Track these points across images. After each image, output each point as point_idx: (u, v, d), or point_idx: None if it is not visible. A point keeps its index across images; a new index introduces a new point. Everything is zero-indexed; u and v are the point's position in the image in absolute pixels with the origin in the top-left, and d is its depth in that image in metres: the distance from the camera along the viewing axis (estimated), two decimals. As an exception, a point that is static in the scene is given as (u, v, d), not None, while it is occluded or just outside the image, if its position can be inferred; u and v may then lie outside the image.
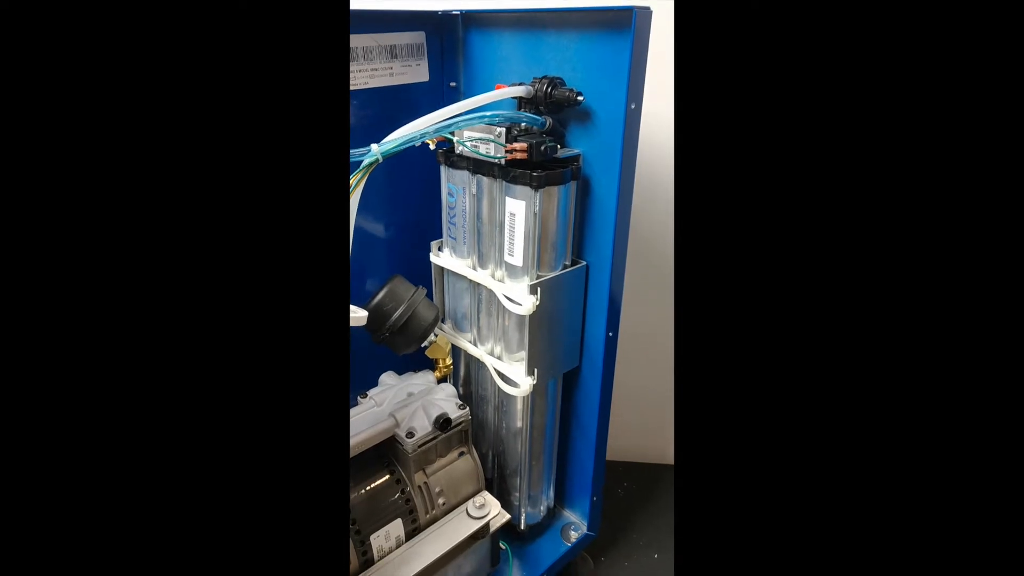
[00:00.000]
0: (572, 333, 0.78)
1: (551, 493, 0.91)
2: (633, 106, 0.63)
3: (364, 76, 0.74)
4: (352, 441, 0.67)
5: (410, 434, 0.71)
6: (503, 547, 0.86)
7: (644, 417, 1.20)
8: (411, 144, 0.60)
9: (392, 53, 0.76)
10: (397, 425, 0.71)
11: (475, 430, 0.86)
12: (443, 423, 0.72)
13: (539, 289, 0.69)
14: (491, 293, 0.75)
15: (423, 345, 0.78)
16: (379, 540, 0.69)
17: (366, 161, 0.58)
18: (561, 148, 0.69)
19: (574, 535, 0.92)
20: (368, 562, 0.68)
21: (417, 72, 0.79)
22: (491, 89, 0.67)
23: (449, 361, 0.86)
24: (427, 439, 0.72)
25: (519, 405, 0.79)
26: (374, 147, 0.58)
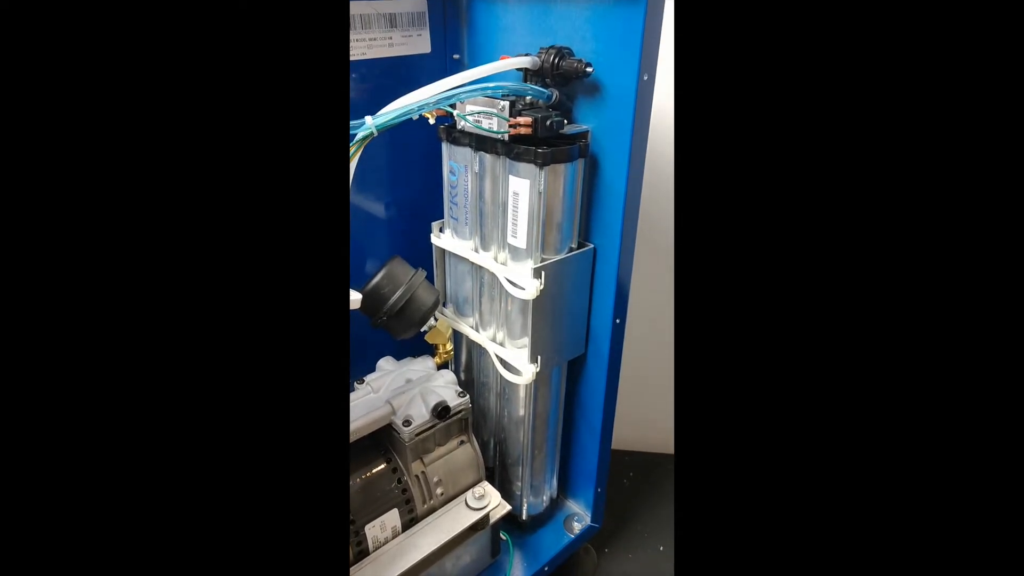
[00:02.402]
0: (577, 319, 0.75)
1: (554, 483, 0.89)
2: (646, 78, 0.59)
3: (362, 46, 0.70)
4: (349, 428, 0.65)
5: (407, 422, 0.68)
6: (504, 538, 0.84)
7: (651, 406, 1.17)
8: (408, 117, 0.56)
9: (392, 22, 0.72)
10: (394, 413, 0.69)
11: (476, 418, 0.84)
12: (441, 411, 0.70)
13: (543, 273, 0.66)
14: (494, 276, 0.71)
15: (422, 330, 0.75)
16: (374, 531, 0.67)
17: (360, 134, 0.55)
18: (568, 123, 0.65)
19: (577, 526, 0.90)
20: (363, 553, 0.66)
21: (418, 43, 0.75)
22: (496, 61, 0.63)
23: (449, 347, 0.83)
24: (425, 427, 0.70)
25: (522, 393, 0.76)
26: (369, 120, 0.55)
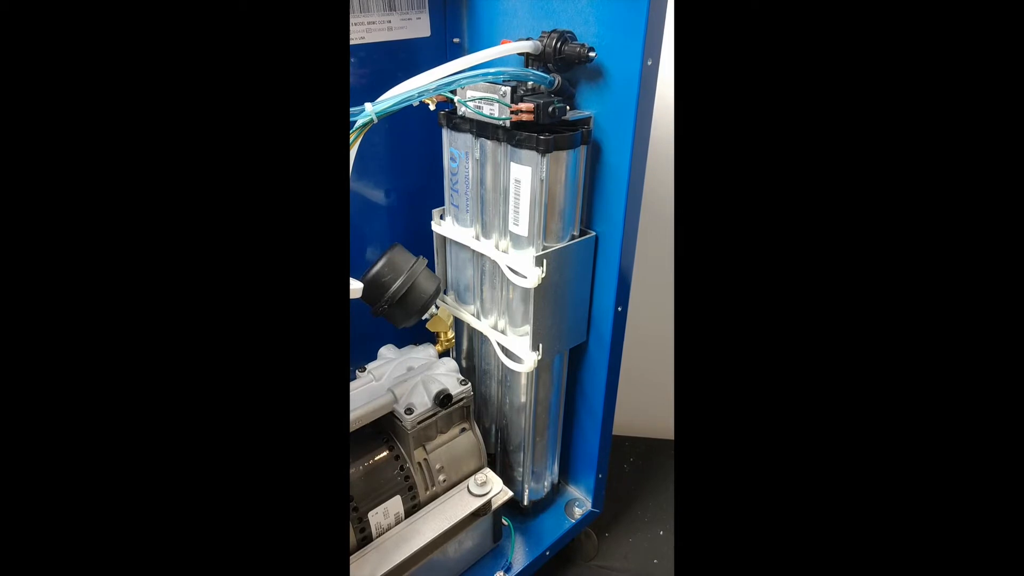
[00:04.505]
0: (579, 307, 0.75)
1: (555, 469, 0.89)
2: (650, 63, 0.58)
3: (360, 30, 0.69)
4: (349, 416, 0.65)
5: (409, 410, 0.68)
6: (506, 523, 0.85)
7: (651, 392, 1.17)
8: (408, 103, 0.55)
9: (390, 4, 0.70)
10: (396, 401, 0.69)
11: (478, 405, 0.84)
12: (443, 399, 0.70)
13: (545, 261, 0.65)
14: (495, 264, 0.71)
15: (424, 318, 0.75)
16: (377, 517, 0.67)
17: (360, 121, 0.54)
18: (571, 109, 0.64)
19: (578, 512, 0.90)
20: (366, 539, 0.67)
21: (417, 26, 0.74)
22: (497, 45, 0.62)
23: (451, 334, 0.83)
24: (427, 415, 0.70)
25: (523, 380, 0.76)
26: (368, 106, 0.54)
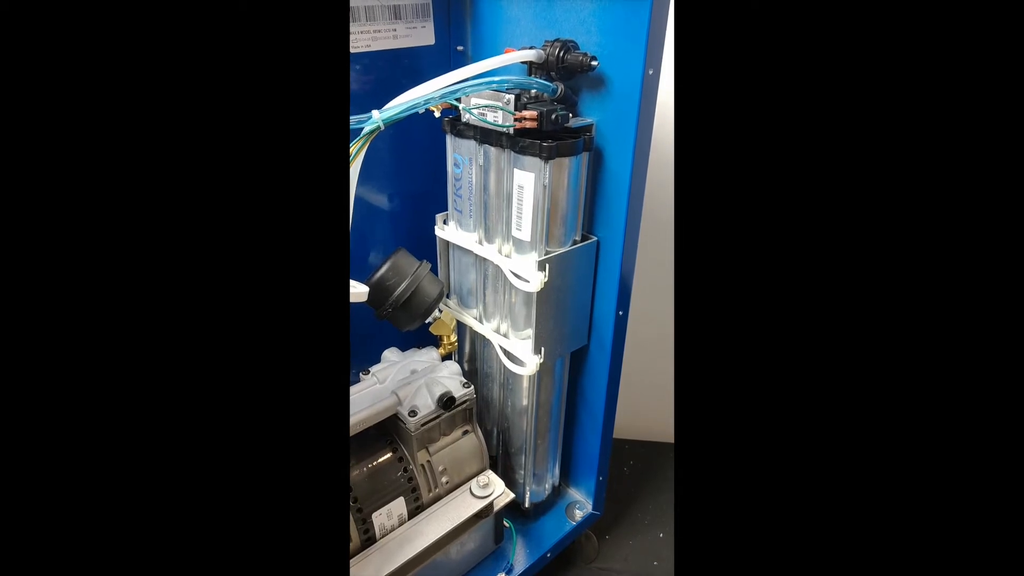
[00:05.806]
0: (581, 311, 0.76)
1: (556, 471, 0.90)
2: (651, 72, 0.59)
3: (366, 38, 0.70)
4: (353, 419, 0.66)
5: (413, 412, 0.69)
6: (507, 525, 0.85)
7: (651, 395, 1.18)
8: (415, 111, 0.56)
9: (396, 13, 0.72)
10: (399, 403, 0.70)
11: (480, 407, 0.85)
12: (446, 402, 0.70)
13: (547, 265, 0.66)
14: (498, 269, 0.72)
15: (427, 321, 0.76)
16: (381, 518, 0.68)
17: (367, 128, 0.55)
18: (573, 117, 0.65)
19: (579, 514, 0.91)
20: (370, 540, 0.68)
21: (422, 35, 0.75)
22: (500, 53, 0.63)
23: (454, 338, 0.84)
24: (430, 418, 0.71)
25: (525, 383, 0.77)
26: (375, 113, 0.55)
